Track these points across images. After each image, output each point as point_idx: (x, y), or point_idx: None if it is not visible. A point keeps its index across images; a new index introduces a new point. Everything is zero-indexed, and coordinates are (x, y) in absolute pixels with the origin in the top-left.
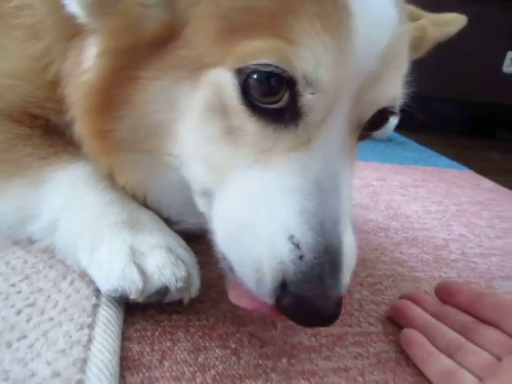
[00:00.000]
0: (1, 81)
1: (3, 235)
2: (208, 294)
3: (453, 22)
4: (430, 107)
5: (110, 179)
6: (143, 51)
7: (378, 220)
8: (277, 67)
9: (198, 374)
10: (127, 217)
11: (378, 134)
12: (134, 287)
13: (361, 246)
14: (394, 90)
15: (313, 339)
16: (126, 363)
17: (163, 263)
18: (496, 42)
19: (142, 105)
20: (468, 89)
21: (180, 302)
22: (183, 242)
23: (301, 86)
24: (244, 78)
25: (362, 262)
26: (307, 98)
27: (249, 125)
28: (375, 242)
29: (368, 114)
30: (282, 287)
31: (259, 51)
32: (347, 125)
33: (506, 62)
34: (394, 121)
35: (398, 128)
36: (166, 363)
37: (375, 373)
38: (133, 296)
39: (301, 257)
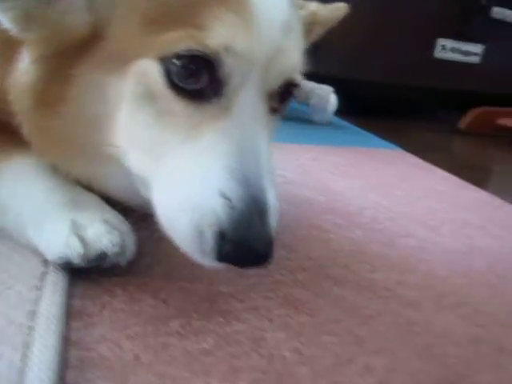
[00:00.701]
0: None
1: None
2: (144, 259)
3: (338, 10)
4: (368, 92)
5: (54, 169)
6: (74, 52)
7: (305, 194)
8: (194, 51)
9: (131, 318)
10: (69, 199)
11: (320, 118)
12: (76, 254)
13: (284, 215)
14: (294, 60)
15: (231, 288)
16: (70, 314)
17: (100, 232)
18: (428, 29)
19: (77, 99)
20: (404, 74)
21: (119, 265)
22: (120, 216)
23: (216, 63)
24: (167, 64)
25: (282, 229)
26: (223, 73)
27: (176, 106)
28: (298, 212)
29: (276, 83)
30: (222, 239)
31: (178, 40)
32: (260, 93)
33: (437, 47)
34: (334, 105)
35: (339, 112)
36: (106, 312)
37: (282, 310)
38: (76, 261)
39: (232, 207)
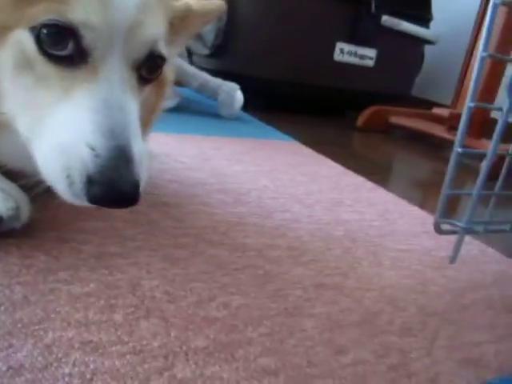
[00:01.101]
0: None
1: None
2: (40, 225)
3: (215, 5)
4: (275, 90)
5: None
6: None
7: (201, 177)
8: (58, 21)
9: (23, 269)
10: None
11: (227, 113)
12: None
13: (177, 195)
14: (154, 32)
15: (118, 248)
16: None
17: None
18: (328, 33)
19: None
20: (306, 74)
21: (14, 229)
22: (14, 184)
23: (80, 32)
24: (36, 33)
25: (175, 206)
26: (87, 40)
27: (49, 70)
28: (191, 191)
29: (139, 53)
30: (89, 182)
31: (44, 12)
32: (124, 61)
33: (336, 51)
34: (240, 101)
35: (248, 108)
36: (0, 263)
37: (160, 264)
38: None
39: (97, 155)
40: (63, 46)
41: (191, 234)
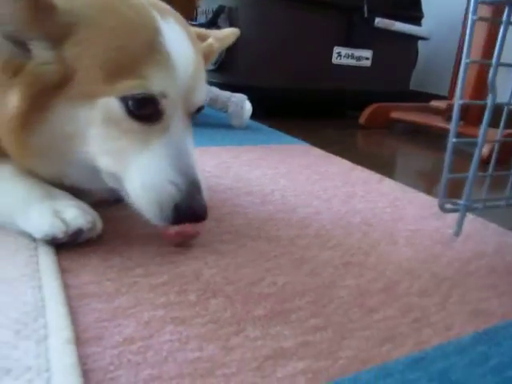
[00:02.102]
0: None
1: None
2: (106, 233)
3: (231, 34)
4: (278, 97)
5: (28, 171)
6: (51, 90)
7: (227, 183)
8: (144, 93)
9: (107, 270)
10: (45, 192)
11: (238, 123)
12: (60, 231)
13: (211, 200)
14: (202, 94)
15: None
16: (61, 270)
17: (76, 214)
18: (325, 40)
19: (54, 123)
20: (308, 79)
21: (91, 239)
22: (84, 203)
23: (157, 99)
24: (125, 101)
25: (213, 209)
26: (162, 104)
27: (132, 126)
28: (222, 196)
29: (193, 108)
30: (175, 210)
31: (132, 87)
32: (184, 115)
33: (334, 55)
34: (249, 110)
35: (255, 117)
36: (87, 268)
37: (213, 257)
38: (60, 236)
39: (180, 190)
40: (144, 109)
41: (232, 231)
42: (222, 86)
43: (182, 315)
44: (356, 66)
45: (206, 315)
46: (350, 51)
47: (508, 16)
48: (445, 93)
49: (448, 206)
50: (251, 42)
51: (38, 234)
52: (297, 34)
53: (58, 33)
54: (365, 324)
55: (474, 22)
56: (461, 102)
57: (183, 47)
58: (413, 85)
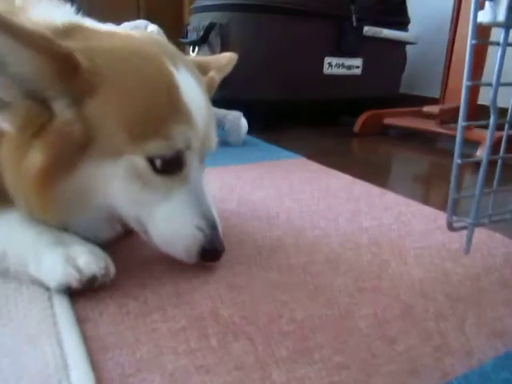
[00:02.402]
0: None
1: None
2: (120, 276)
3: (230, 61)
4: (272, 110)
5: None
6: (74, 149)
7: (233, 208)
8: (169, 153)
9: (124, 317)
10: (56, 239)
11: (235, 140)
12: (73, 279)
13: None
14: (214, 140)
15: (189, 285)
16: (79, 320)
17: (89, 261)
18: (315, 51)
19: (75, 179)
20: (301, 91)
21: (105, 284)
22: (96, 247)
23: (182, 155)
24: (151, 160)
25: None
26: (183, 159)
27: (157, 180)
28: (230, 223)
29: (206, 153)
30: (202, 251)
31: (159, 148)
32: (199, 161)
33: (325, 65)
34: (245, 127)
35: (251, 129)
36: (104, 316)
37: (229, 294)
38: (74, 285)
39: (205, 234)
40: (169, 165)
41: (243, 262)
42: (216, 103)
43: (205, 363)
44: (347, 75)
45: (229, 361)
46: (340, 61)
47: (505, 38)
48: (435, 95)
49: (456, 223)
50: (243, 56)
51: (51, 283)
52: (288, 46)
53: (81, 91)
54: (388, 358)
55: (473, 46)
56: (464, 124)
57: (198, 98)
58: (403, 88)
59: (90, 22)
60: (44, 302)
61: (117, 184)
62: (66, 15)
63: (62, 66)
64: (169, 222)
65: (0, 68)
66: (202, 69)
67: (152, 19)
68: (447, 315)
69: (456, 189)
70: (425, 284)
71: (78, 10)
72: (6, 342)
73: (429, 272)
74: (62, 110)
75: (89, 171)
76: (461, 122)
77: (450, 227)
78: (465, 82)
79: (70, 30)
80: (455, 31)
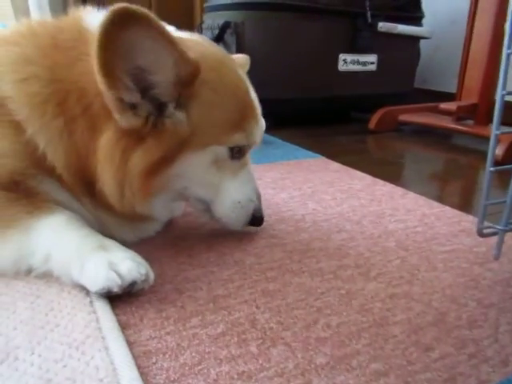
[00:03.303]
0: None
1: (7, 270)
2: (157, 282)
3: (247, 62)
4: (287, 108)
5: (80, 221)
6: (178, 144)
7: None
8: (246, 145)
9: (164, 322)
10: (99, 243)
11: None
12: (115, 284)
13: (247, 231)
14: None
15: (224, 291)
16: (121, 326)
17: (131, 267)
18: (331, 49)
19: (173, 168)
20: (316, 88)
21: (143, 289)
22: (137, 254)
23: (251, 146)
24: (232, 149)
25: (250, 242)
26: (249, 148)
27: (228, 164)
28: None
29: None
30: (253, 218)
31: (239, 140)
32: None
33: (340, 62)
34: (263, 127)
35: (267, 129)
36: (145, 321)
37: (263, 299)
38: (115, 290)
39: (256, 205)
40: (241, 152)
41: (274, 268)
42: None
43: (247, 369)
44: (362, 71)
45: (270, 368)
46: (355, 57)
47: None
48: (449, 89)
49: (487, 231)
50: (258, 55)
51: (93, 288)
52: (302, 44)
53: (191, 96)
54: (424, 365)
55: (508, 56)
56: (497, 132)
57: (256, 98)
58: (416, 83)
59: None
60: (87, 307)
61: (200, 170)
62: None
63: (189, 73)
64: (234, 196)
65: (141, 75)
66: None
67: (163, 18)
68: (480, 322)
69: (487, 196)
70: (455, 290)
71: None
72: (55, 348)
73: (458, 277)
74: (173, 112)
75: (182, 162)
76: (494, 131)
77: (481, 233)
78: (499, 92)
79: None
80: (472, 26)
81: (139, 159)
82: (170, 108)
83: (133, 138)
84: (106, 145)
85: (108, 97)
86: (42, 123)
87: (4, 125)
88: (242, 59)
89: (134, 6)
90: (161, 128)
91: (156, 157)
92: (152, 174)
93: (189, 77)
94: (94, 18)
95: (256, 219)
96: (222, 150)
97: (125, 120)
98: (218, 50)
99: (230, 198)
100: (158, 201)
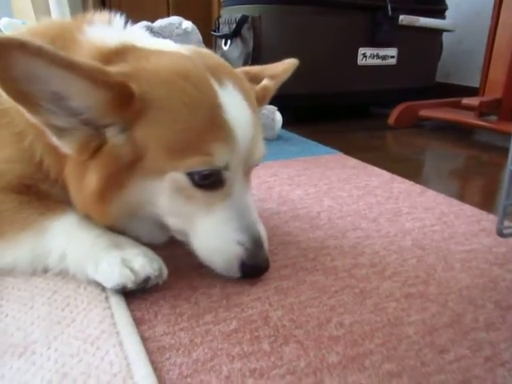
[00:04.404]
0: (0, 166)
1: (24, 270)
2: (171, 278)
3: (288, 68)
4: (305, 104)
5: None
6: (124, 168)
7: (273, 207)
8: (209, 170)
9: (178, 318)
10: (112, 241)
11: (270, 134)
12: (129, 280)
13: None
14: (261, 154)
15: (238, 288)
16: (136, 322)
17: (144, 263)
18: (350, 43)
19: (128, 195)
20: (334, 83)
21: (157, 285)
22: (150, 250)
23: (220, 171)
24: (191, 175)
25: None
26: (225, 174)
27: (196, 193)
28: (271, 223)
29: (252, 168)
30: (242, 265)
31: (198, 164)
32: (244, 175)
33: (359, 56)
34: (279, 121)
35: (285, 124)
36: (159, 317)
37: (276, 297)
38: (129, 286)
39: (246, 248)
40: (208, 180)
41: (289, 265)
42: None
43: (259, 366)
44: (382, 66)
45: (282, 365)
46: (375, 51)
47: None
48: (471, 83)
49: (507, 231)
50: (276, 50)
51: (108, 284)
52: (321, 38)
53: (131, 117)
54: (438, 367)
55: None
56: None
57: (242, 115)
58: (438, 77)
59: (141, 38)
60: (102, 303)
61: (163, 198)
62: (118, 34)
63: (117, 95)
64: (210, 236)
65: (61, 101)
66: (255, 77)
67: (181, 12)
68: (497, 324)
69: (508, 196)
70: (473, 291)
71: (125, 23)
72: (71, 343)
73: (476, 278)
74: (114, 135)
75: (138, 187)
76: None
77: (500, 233)
78: None
79: (121, 52)
80: (497, 18)
81: (86, 185)
82: (111, 131)
83: (82, 164)
84: (68, 170)
85: (38, 122)
86: (36, 133)
87: (10, 133)
88: (280, 65)
89: (8, 37)
90: (103, 151)
91: (98, 182)
92: (103, 199)
93: (118, 100)
94: (94, 30)
95: (248, 268)
96: (179, 177)
97: (63, 145)
98: (190, 63)
99: (204, 237)
100: (134, 224)
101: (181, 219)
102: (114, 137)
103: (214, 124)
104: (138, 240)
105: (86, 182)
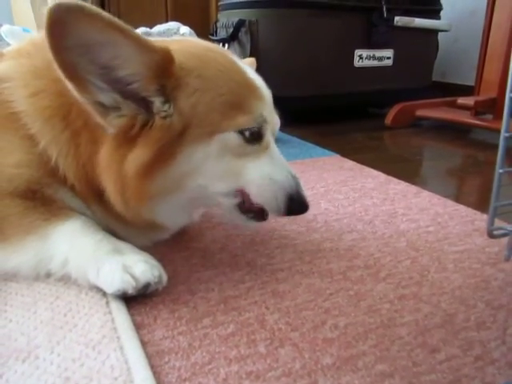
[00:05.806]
0: (10, 171)
1: (27, 274)
2: (170, 283)
3: (253, 65)
4: (302, 106)
5: (95, 225)
6: (173, 139)
7: None
8: (253, 126)
9: (176, 322)
10: (113, 247)
11: None
12: (130, 286)
13: (259, 232)
14: (278, 120)
15: (235, 291)
16: (136, 326)
17: (144, 269)
18: (346, 45)
19: (174, 166)
20: (331, 85)
21: (157, 290)
22: (150, 256)
23: (263, 127)
24: (243, 133)
25: (261, 243)
26: (264, 130)
27: (246, 150)
28: (269, 226)
29: (275, 129)
30: (290, 200)
31: (246, 121)
32: (272, 135)
33: (356, 58)
34: (278, 124)
35: (283, 126)
36: (158, 321)
37: (272, 300)
38: (130, 291)
39: (295, 184)
40: (256, 135)
41: (285, 268)
42: None
43: (255, 369)
44: (378, 67)
45: (277, 367)
46: (371, 52)
47: None
48: (467, 82)
49: (497, 232)
50: (273, 53)
51: (109, 290)
52: (317, 41)
53: (173, 86)
54: (429, 366)
55: None
56: (506, 134)
57: (260, 80)
58: (435, 76)
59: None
60: (103, 308)
61: (210, 163)
62: None
63: (160, 60)
64: (265, 173)
65: (109, 73)
66: None
67: (179, 16)
68: (488, 324)
69: (497, 197)
70: (465, 291)
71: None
72: (73, 347)
73: (468, 278)
74: (160, 106)
75: (186, 157)
76: (503, 133)
77: (491, 235)
78: (508, 94)
79: None
80: (491, 18)
81: (132, 162)
82: (157, 103)
83: (126, 142)
84: (105, 156)
85: (84, 102)
86: (53, 136)
87: (19, 137)
88: (247, 61)
89: (68, 1)
90: (151, 126)
91: (148, 157)
92: (147, 175)
93: (161, 65)
94: None
95: (296, 203)
96: (230, 137)
97: (109, 124)
98: (206, 43)
99: (259, 173)
100: (165, 206)
101: (229, 178)
102: (161, 109)
103: (248, 85)
104: (139, 246)
105: (130, 160)
